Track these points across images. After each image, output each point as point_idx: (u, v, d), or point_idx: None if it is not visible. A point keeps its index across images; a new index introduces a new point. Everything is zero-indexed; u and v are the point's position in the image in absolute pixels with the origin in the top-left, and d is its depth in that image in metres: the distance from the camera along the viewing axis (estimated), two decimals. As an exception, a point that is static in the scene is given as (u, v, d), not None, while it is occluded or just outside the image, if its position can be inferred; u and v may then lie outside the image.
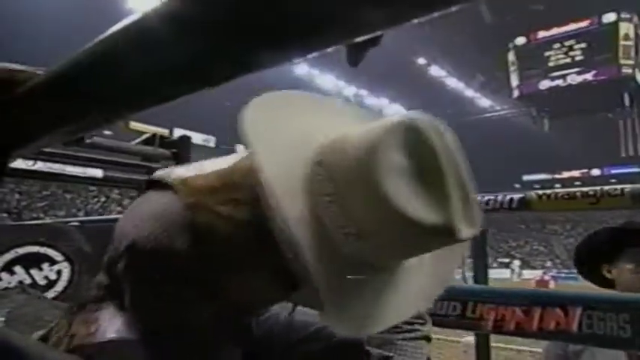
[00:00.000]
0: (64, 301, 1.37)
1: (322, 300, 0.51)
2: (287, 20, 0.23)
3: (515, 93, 14.30)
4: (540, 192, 1.23)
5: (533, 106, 14.71)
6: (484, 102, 18.88)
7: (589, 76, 13.04)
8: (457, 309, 1.30)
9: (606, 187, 1.12)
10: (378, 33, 0.23)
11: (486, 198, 1.30)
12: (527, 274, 16.54)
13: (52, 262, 1.57)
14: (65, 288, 1.57)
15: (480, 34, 14.86)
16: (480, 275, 1.40)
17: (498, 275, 14.90)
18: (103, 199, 13.66)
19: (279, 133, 0.53)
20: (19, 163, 1.60)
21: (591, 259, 1.16)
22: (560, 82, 13.51)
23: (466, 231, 0.50)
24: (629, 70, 12.50)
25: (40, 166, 1.49)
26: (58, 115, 0.42)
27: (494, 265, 17.02)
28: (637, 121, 14.21)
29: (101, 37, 0.32)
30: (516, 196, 1.25)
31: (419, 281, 0.60)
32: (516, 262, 17.92)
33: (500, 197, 1.28)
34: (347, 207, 0.52)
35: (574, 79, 13.29)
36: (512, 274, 16.67)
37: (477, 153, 18.47)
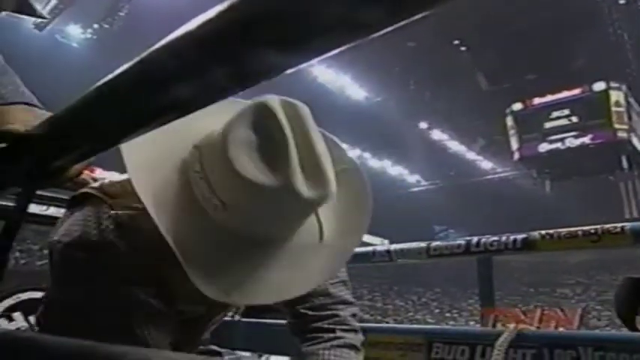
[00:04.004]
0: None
1: (185, 267, 0.56)
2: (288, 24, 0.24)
3: (516, 156, 14.53)
4: (543, 232, 1.26)
5: (533, 168, 14.89)
6: (485, 164, 19.13)
7: (586, 140, 13.32)
8: (465, 353, 1.28)
9: (607, 225, 1.15)
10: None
11: (490, 239, 1.33)
12: (539, 341, 15.85)
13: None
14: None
15: (477, 101, 15.39)
16: (487, 318, 1.38)
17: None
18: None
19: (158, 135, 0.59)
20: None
21: (627, 306, 1.13)
22: (559, 145, 13.79)
23: (309, 191, 0.57)
24: (624, 135, 12.80)
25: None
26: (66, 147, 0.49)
27: (504, 331, 16.31)
28: (637, 183, 14.29)
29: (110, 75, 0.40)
30: (520, 236, 1.28)
31: (316, 257, 0.65)
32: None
33: (504, 238, 1.30)
34: (211, 180, 0.58)
35: (572, 142, 13.56)
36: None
37: (481, 213, 18.21)
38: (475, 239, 1.32)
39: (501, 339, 1.07)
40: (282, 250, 0.63)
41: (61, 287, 0.70)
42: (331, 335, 0.80)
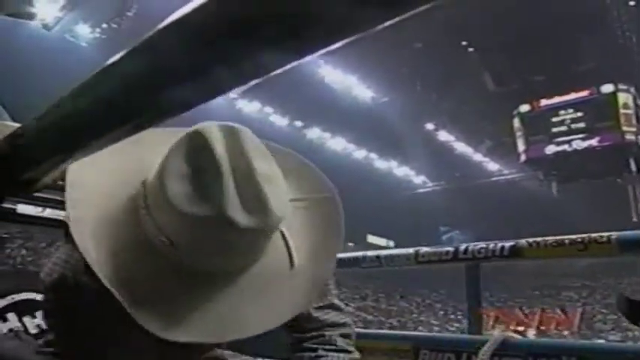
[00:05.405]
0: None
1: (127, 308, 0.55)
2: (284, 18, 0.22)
3: (522, 157, 14.43)
4: (530, 240, 1.26)
5: (540, 170, 14.78)
6: (492, 166, 19.03)
7: (594, 142, 13.20)
8: (452, 360, 1.28)
9: (593, 235, 1.15)
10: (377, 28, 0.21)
11: (478, 247, 1.33)
12: (545, 344, 15.70)
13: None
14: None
15: (484, 102, 15.32)
16: (474, 325, 1.38)
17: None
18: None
19: (104, 169, 0.59)
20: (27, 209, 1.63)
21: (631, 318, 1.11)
22: (566, 147, 13.68)
23: (245, 219, 0.55)
24: (632, 137, 12.67)
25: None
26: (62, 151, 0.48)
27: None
28: (646, 186, 14.12)
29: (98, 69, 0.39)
30: (507, 244, 1.28)
31: (287, 286, 0.63)
32: (531, 331, 17.09)
33: (491, 245, 1.30)
34: (155, 216, 0.57)
35: (579, 144, 13.45)
36: (529, 344, 15.85)
37: (487, 215, 18.06)
38: (463, 246, 1.32)
39: (485, 347, 1.07)
40: (245, 283, 0.61)
41: (55, 326, 0.71)
42: (312, 355, 0.77)
